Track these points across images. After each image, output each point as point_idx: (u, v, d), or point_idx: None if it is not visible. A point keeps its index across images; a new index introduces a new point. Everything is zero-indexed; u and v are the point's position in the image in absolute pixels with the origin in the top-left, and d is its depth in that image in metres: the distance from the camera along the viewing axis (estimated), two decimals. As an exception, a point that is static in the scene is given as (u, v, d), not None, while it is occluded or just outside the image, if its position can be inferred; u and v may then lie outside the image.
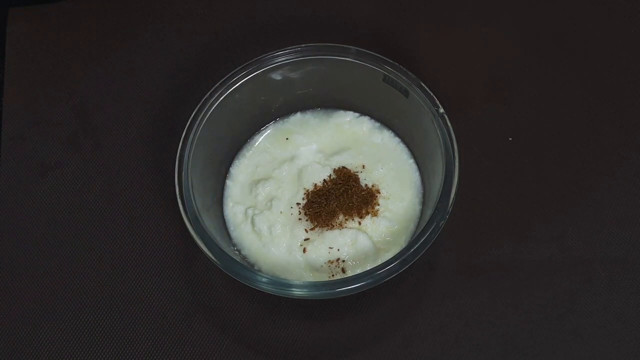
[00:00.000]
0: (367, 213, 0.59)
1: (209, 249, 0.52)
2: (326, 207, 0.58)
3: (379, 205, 0.59)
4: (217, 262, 0.52)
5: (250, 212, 0.60)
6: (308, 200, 0.59)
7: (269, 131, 0.64)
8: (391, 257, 0.51)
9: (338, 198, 0.59)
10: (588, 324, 0.58)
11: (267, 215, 0.59)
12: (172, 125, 0.66)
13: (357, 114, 0.64)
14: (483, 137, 0.65)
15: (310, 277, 0.57)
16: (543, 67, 0.68)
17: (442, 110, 0.55)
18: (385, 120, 0.63)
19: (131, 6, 0.74)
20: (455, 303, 0.59)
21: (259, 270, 0.56)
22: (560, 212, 0.62)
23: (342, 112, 0.64)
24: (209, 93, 0.57)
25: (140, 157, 0.66)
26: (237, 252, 0.59)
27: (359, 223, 0.59)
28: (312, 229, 0.58)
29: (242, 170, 0.62)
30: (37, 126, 0.68)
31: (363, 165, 0.61)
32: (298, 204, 0.60)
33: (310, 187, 0.60)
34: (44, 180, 0.65)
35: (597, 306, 0.58)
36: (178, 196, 0.54)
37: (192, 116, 0.57)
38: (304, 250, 0.58)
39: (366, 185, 0.60)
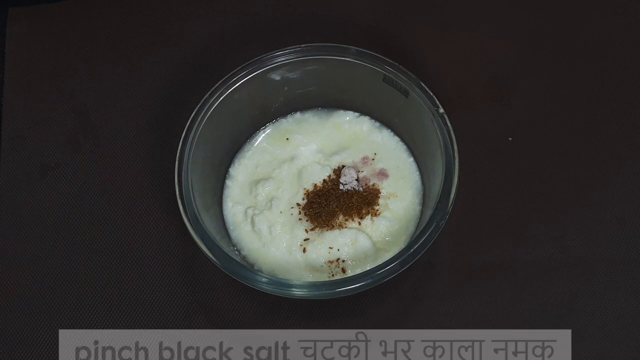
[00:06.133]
0: (367, 213, 0.59)
1: (209, 249, 0.52)
2: (326, 207, 0.58)
3: (378, 205, 0.59)
4: (217, 262, 0.52)
5: (250, 212, 0.60)
6: (308, 201, 0.59)
7: (268, 131, 0.64)
8: (391, 257, 0.51)
9: (338, 198, 0.59)
10: (588, 324, 0.58)
11: (267, 215, 0.59)
12: (172, 125, 0.65)
13: (357, 114, 0.64)
14: (483, 137, 0.65)
15: (310, 277, 0.57)
16: (543, 67, 0.68)
17: (442, 110, 0.55)
18: (385, 120, 0.63)
19: (131, 6, 0.74)
20: (455, 303, 0.59)
21: (259, 270, 0.56)
22: (560, 212, 0.62)
23: (341, 111, 0.64)
24: (209, 93, 0.57)
25: (140, 157, 0.66)
26: (237, 252, 0.59)
27: (359, 223, 0.58)
28: (312, 229, 0.58)
29: (242, 170, 0.62)
30: (37, 126, 0.68)
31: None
32: (298, 204, 0.60)
33: (310, 187, 0.60)
34: (44, 181, 0.65)
35: (597, 306, 0.58)
36: (178, 196, 0.54)
37: (192, 116, 0.57)
38: (304, 250, 0.58)
39: (366, 185, 0.60)
